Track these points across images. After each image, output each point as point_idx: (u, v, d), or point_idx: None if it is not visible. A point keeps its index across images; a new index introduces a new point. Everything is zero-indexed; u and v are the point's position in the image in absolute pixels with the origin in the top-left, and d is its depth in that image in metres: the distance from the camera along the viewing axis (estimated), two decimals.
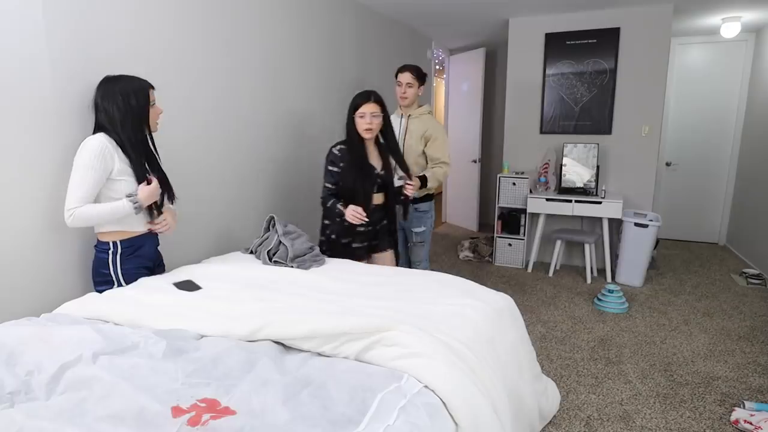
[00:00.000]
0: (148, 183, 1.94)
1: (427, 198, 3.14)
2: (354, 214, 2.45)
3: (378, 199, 2.61)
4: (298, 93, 3.36)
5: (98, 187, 1.85)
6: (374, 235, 2.69)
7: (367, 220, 2.47)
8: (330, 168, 2.58)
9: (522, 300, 3.88)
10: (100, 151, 1.82)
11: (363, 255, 2.68)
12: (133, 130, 1.90)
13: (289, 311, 1.64)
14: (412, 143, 3.06)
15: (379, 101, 2.49)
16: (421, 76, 3.05)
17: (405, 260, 3.28)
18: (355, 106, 2.49)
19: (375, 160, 2.57)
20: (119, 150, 1.89)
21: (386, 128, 2.56)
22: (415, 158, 3.04)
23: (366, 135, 2.48)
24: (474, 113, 6.06)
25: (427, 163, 3.08)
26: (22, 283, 1.87)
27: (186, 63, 2.48)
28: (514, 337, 1.85)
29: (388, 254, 2.77)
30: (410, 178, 2.63)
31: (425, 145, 3.04)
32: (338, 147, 2.57)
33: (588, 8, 4.34)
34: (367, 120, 2.44)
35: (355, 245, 2.65)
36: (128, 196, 1.89)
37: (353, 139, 2.52)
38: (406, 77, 3.02)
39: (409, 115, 3.08)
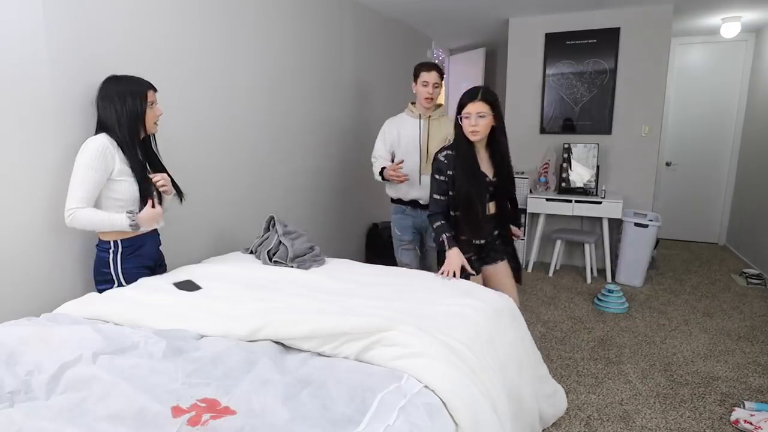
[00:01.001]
0: (153, 205, 1.94)
1: None
2: (449, 269, 2.16)
3: (490, 208, 2.33)
4: (297, 93, 3.36)
5: (99, 187, 1.86)
6: (485, 247, 2.40)
7: (458, 280, 2.15)
8: (437, 177, 2.29)
9: (522, 300, 3.87)
10: (101, 152, 1.83)
11: (475, 268, 2.34)
12: (129, 131, 1.90)
13: (289, 311, 1.64)
14: (437, 147, 2.73)
15: (488, 100, 2.16)
16: (443, 76, 2.88)
17: (419, 266, 3.04)
18: (460, 106, 2.19)
19: (486, 166, 2.28)
20: (120, 150, 1.89)
21: (496, 131, 2.23)
22: None
23: (472, 138, 2.19)
24: None
25: None
26: (22, 283, 1.87)
27: (186, 63, 2.48)
28: (514, 337, 1.85)
29: (502, 266, 2.43)
30: (514, 211, 2.48)
31: None
32: (444, 153, 2.28)
33: (588, 8, 4.34)
34: (472, 121, 2.15)
35: (472, 254, 2.35)
36: (129, 212, 1.89)
37: (461, 142, 2.24)
38: (433, 77, 2.78)
39: (429, 117, 2.89)
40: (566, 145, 4.47)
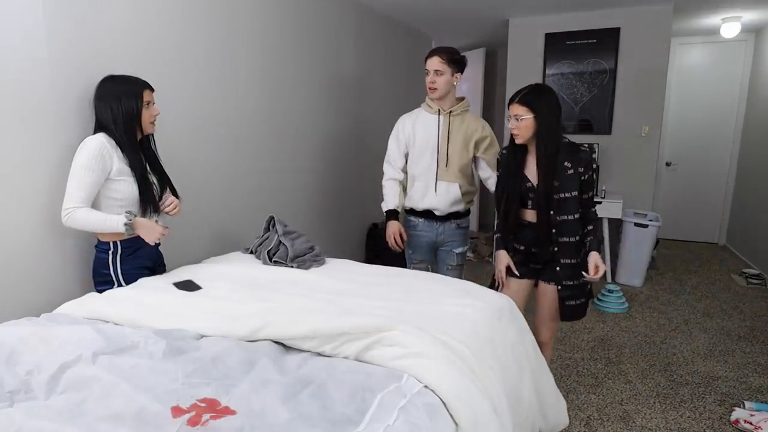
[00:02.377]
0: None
1: (468, 210, 2.68)
2: (497, 270, 2.22)
3: (530, 216, 2.15)
4: (297, 93, 3.36)
5: (97, 187, 1.85)
6: (530, 257, 2.22)
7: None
8: (497, 173, 2.30)
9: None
10: (99, 152, 1.82)
11: (522, 273, 2.24)
12: (125, 131, 1.90)
13: (289, 311, 1.64)
14: (457, 149, 2.50)
15: (529, 102, 2.03)
16: (455, 61, 2.45)
17: None
18: (508, 106, 2.14)
19: (532, 170, 2.13)
20: (119, 150, 1.89)
21: (541, 134, 2.05)
22: (462, 167, 2.53)
23: (515, 140, 2.11)
24: (474, 113, 6.05)
25: (473, 173, 2.64)
26: (22, 283, 1.87)
27: (186, 63, 2.48)
28: (514, 337, 1.84)
29: (548, 289, 2.21)
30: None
31: (478, 151, 2.56)
32: (502, 150, 2.26)
33: (588, 8, 4.34)
34: (512, 124, 2.08)
35: (515, 259, 2.25)
36: (128, 212, 1.88)
37: (510, 142, 2.17)
38: (433, 63, 2.42)
39: (450, 112, 2.51)
40: None
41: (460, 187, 2.56)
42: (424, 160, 2.54)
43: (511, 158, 2.17)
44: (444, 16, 4.61)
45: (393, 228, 2.56)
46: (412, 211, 2.65)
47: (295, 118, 3.37)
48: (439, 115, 2.52)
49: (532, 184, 2.11)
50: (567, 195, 2.05)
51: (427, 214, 2.59)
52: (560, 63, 4.59)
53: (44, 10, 1.84)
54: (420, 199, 2.58)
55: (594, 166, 2.09)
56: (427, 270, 2.73)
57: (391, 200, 2.62)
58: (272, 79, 3.11)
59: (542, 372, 1.94)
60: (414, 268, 2.71)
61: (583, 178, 2.06)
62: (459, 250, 2.66)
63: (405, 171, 2.65)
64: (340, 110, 3.88)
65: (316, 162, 3.63)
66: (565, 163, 2.05)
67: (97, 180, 1.84)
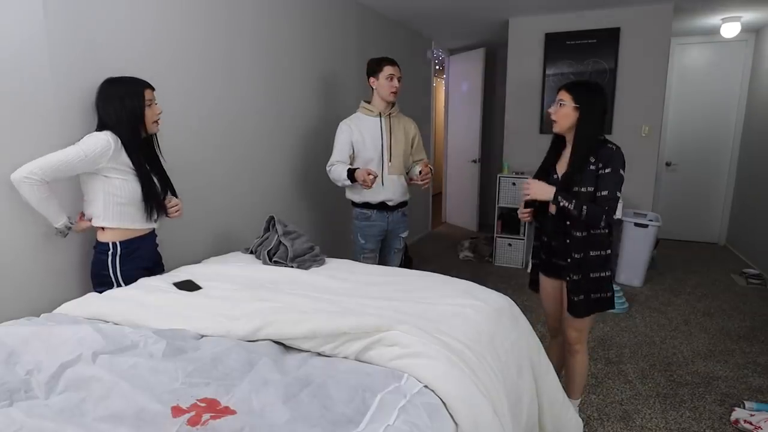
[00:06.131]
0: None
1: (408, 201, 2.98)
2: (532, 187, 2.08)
3: (552, 208, 2.11)
4: (298, 93, 3.37)
5: (71, 175, 1.83)
6: (552, 251, 2.18)
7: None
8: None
9: (522, 300, 3.87)
10: (102, 150, 1.81)
11: (550, 271, 2.22)
12: (131, 131, 1.90)
13: (289, 311, 1.64)
14: (401, 145, 2.84)
15: (572, 91, 2.03)
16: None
17: None
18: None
19: (562, 163, 2.11)
20: (123, 150, 1.89)
21: (579, 127, 2.02)
22: (404, 161, 2.87)
23: (553, 127, 2.12)
24: (474, 113, 6.06)
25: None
26: (22, 283, 1.87)
27: (187, 63, 2.48)
28: (514, 337, 1.84)
29: (554, 283, 2.21)
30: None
31: (412, 146, 2.93)
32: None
33: (588, 8, 4.34)
34: (553, 108, 2.09)
35: (542, 255, 2.26)
36: (69, 217, 1.89)
37: (554, 132, 2.15)
38: (398, 71, 2.79)
39: (390, 114, 2.84)
40: None
41: (404, 178, 2.90)
42: (375, 157, 2.80)
43: (550, 151, 2.17)
44: (444, 16, 4.61)
45: (361, 172, 2.67)
46: (366, 205, 2.87)
47: (297, 118, 3.37)
48: (380, 117, 2.82)
49: (557, 176, 2.10)
50: (583, 189, 2.00)
51: (381, 206, 2.86)
52: (560, 63, 4.59)
53: (45, 14, 1.84)
54: (374, 194, 2.82)
55: (616, 166, 1.96)
56: (375, 260, 2.97)
57: (344, 169, 2.76)
58: (273, 78, 3.11)
59: (545, 373, 1.93)
60: (364, 259, 2.89)
61: (599, 172, 1.97)
62: (404, 234, 3.01)
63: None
64: (342, 110, 3.88)
65: (317, 161, 3.63)
66: (591, 158, 2.01)
67: (81, 170, 1.83)
